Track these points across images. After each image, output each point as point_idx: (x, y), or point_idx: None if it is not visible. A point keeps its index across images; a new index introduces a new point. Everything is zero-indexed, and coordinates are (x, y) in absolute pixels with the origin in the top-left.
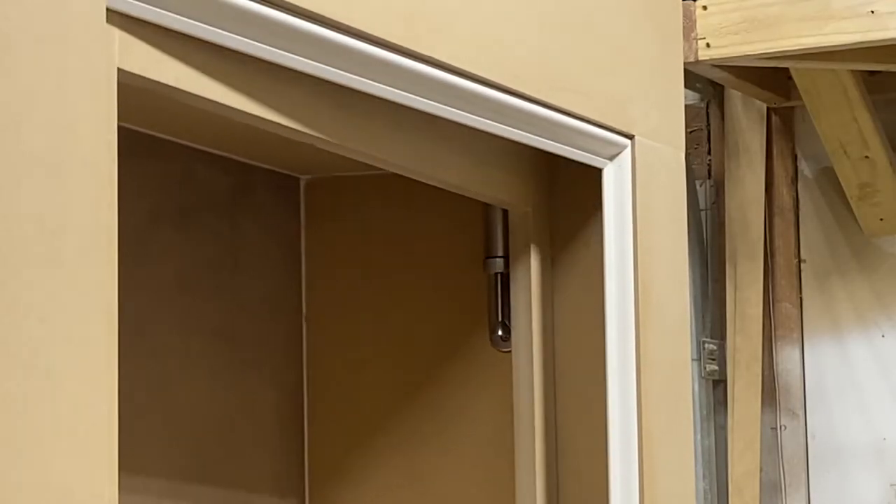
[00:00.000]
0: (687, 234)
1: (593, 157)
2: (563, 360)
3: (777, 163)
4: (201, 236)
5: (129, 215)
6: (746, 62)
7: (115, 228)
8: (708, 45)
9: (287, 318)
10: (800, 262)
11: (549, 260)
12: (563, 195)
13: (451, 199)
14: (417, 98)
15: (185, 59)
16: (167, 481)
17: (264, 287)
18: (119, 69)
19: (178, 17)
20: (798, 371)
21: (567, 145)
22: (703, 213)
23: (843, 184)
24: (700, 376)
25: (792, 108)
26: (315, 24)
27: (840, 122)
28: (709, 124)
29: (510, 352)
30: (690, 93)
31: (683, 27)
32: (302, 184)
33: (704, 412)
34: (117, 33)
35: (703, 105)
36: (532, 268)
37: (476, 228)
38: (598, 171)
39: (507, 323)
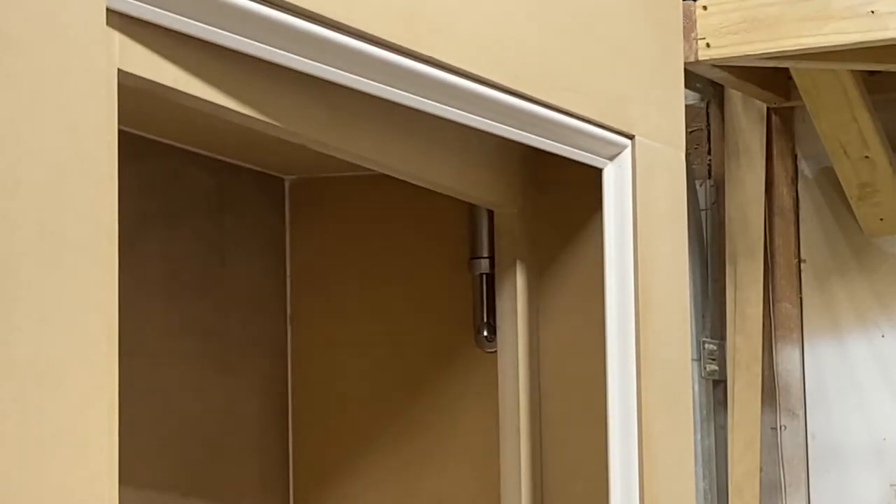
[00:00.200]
0: (687, 234)
1: (593, 157)
2: (549, 360)
3: (777, 163)
4: (188, 237)
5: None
6: (746, 62)
7: (115, 229)
8: (708, 45)
9: (272, 319)
10: (800, 262)
11: (534, 261)
12: (550, 196)
13: (435, 199)
14: (417, 98)
15: (184, 60)
16: (150, 480)
17: (249, 288)
18: (119, 70)
19: (179, 17)
20: (798, 371)
21: (567, 145)
22: (703, 213)
23: (843, 184)
24: (700, 376)
25: (792, 108)
26: (315, 24)
27: (840, 122)
28: (709, 124)
29: (495, 352)
30: (690, 93)
31: (683, 27)
32: (286, 184)
33: (704, 412)
34: (117, 33)
35: (703, 105)
36: (517, 268)
37: (461, 229)
38: (588, 172)
39: (492, 323)
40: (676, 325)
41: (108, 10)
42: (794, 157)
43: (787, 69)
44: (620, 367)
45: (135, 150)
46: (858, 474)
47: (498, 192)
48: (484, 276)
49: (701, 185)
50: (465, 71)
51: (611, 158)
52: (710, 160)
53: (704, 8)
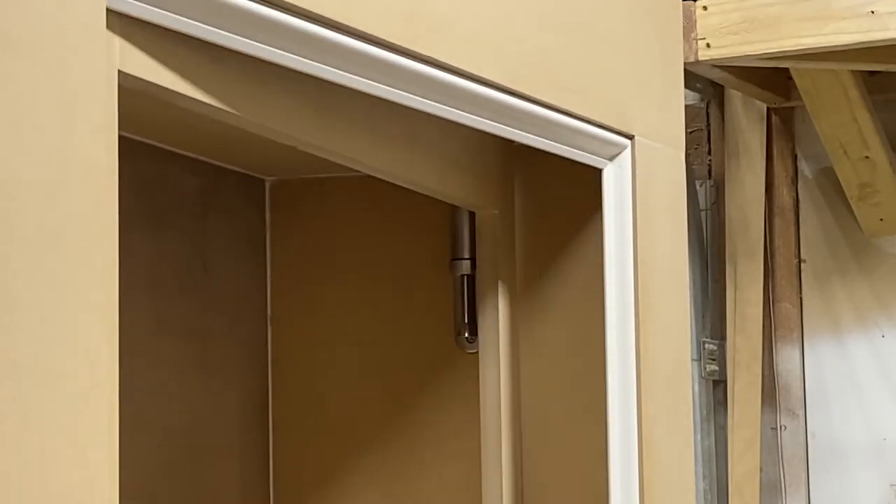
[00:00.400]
0: (687, 234)
1: (593, 157)
2: (530, 361)
3: (777, 163)
4: (171, 237)
5: None
6: (746, 62)
7: (115, 229)
8: (708, 45)
9: (252, 320)
10: (800, 262)
11: (515, 262)
12: (539, 197)
13: (416, 200)
14: (417, 98)
15: (183, 62)
16: (131, 481)
17: (231, 288)
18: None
19: (179, 17)
20: (798, 371)
21: (567, 145)
22: (703, 213)
23: (843, 184)
24: (700, 376)
25: (792, 108)
26: (315, 24)
27: (840, 122)
28: (709, 124)
29: (477, 353)
30: (690, 93)
31: (683, 27)
32: (267, 186)
33: (704, 412)
34: (117, 34)
35: (703, 105)
36: (499, 270)
37: (442, 230)
38: (581, 173)
39: (473, 325)
40: (676, 325)
41: (108, 10)
42: (794, 158)
43: (787, 69)
44: (620, 367)
45: (119, 151)
46: (858, 474)
47: (479, 194)
48: (465, 278)
49: (701, 186)
50: (464, 71)
51: (610, 159)
52: (710, 160)
53: (704, 8)
